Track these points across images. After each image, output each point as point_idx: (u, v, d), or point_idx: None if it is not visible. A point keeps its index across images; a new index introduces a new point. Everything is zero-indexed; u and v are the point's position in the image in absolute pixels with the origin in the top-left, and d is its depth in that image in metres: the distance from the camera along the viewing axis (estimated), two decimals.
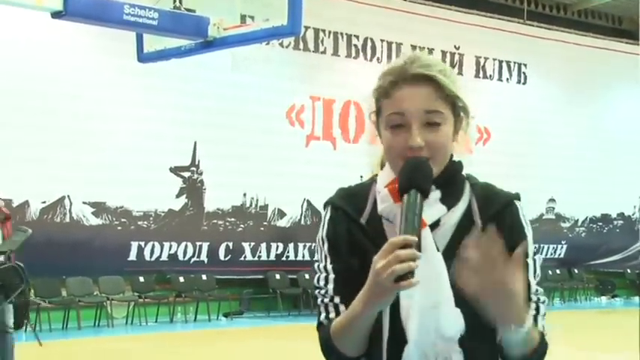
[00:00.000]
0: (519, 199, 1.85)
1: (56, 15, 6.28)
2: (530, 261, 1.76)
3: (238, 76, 14.88)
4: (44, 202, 13.51)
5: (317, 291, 1.81)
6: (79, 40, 13.10)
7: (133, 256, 14.50)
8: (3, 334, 7.68)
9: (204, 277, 15.07)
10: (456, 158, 1.80)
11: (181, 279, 14.79)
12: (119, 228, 14.33)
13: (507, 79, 19.39)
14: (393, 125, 1.72)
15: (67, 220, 13.80)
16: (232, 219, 15.54)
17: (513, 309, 1.63)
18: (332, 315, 1.77)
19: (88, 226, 14.01)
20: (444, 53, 18.34)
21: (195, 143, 14.95)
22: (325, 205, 1.84)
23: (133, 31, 7.26)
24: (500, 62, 19.23)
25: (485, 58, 18.95)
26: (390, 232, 1.70)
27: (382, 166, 1.83)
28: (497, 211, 1.78)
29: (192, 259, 15.07)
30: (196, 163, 15.04)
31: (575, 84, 19.74)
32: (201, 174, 15.11)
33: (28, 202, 13.39)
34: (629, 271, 21.22)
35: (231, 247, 15.34)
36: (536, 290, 1.77)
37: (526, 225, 1.82)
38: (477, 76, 18.87)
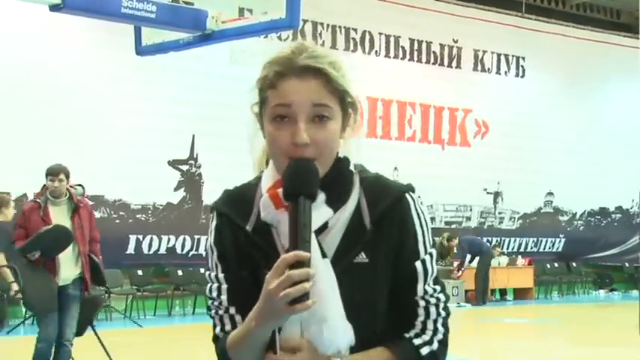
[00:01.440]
0: (412, 191, 1.67)
1: (54, 8, 6.27)
2: (418, 264, 1.64)
3: (237, 69, 14.86)
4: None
5: (211, 302, 1.71)
6: (77, 33, 13.08)
7: (131, 250, 14.51)
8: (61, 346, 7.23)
9: (202, 270, 15.07)
10: (343, 151, 1.66)
11: (180, 272, 14.80)
12: (117, 221, 14.33)
13: (506, 72, 19.38)
14: (277, 117, 1.59)
15: None
16: None
17: None
18: (228, 327, 1.68)
19: None
20: (442, 46, 18.33)
21: (193, 136, 14.94)
22: (211, 211, 1.73)
23: (131, 25, 7.25)
24: (499, 55, 19.21)
25: (484, 52, 18.94)
26: (279, 239, 1.60)
27: (267, 163, 1.70)
28: (386, 207, 1.63)
29: (191, 253, 15.08)
30: (194, 156, 15.04)
31: (573, 77, 19.73)
32: (199, 167, 15.10)
33: (26, 195, 13.37)
34: (627, 264, 21.25)
35: None
36: (425, 292, 1.64)
37: (419, 219, 1.65)
38: (475, 69, 18.86)
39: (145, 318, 14.22)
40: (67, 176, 7.31)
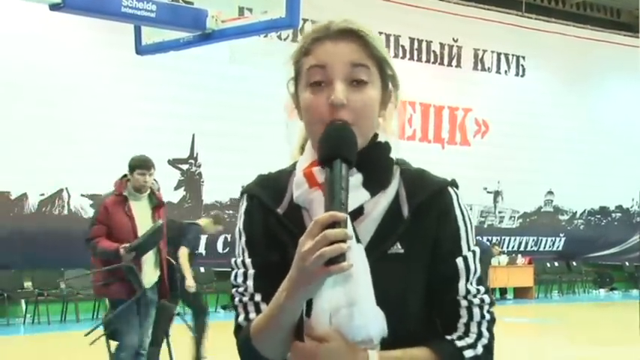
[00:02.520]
0: (455, 186, 1.60)
1: (54, 7, 6.27)
2: (459, 260, 1.55)
3: (237, 68, 14.86)
4: (42, 195, 13.51)
5: (234, 289, 1.59)
6: (77, 32, 13.07)
7: None
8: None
9: (202, 269, 15.07)
10: (382, 139, 1.58)
11: None
12: None
13: (506, 71, 19.38)
14: (313, 82, 1.51)
15: (66, 212, 13.80)
16: (230, 211, 15.52)
17: None
18: (252, 315, 1.56)
19: (86, 219, 13.94)
20: (442, 46, 18.33)
21: (193, 136, 14.94)
22: (241, 194, 1.65)
23: (131, 24, 7.25)
24: (499, 55, 19.21)
25: (484, 51, 18.94)
26: (310, 222, 1.45)
27: (303, 151, 1.61)
28: (426, 198, 1.55)
29: None
30: (194, 155, 15.03)
31: (573, 76, 19.73)
32: (199, 166, 15.10)
33: (26, 195, 13.39)
34: (627, 263, 21.25)
35: (229, 240, 15.34)
36: (468, 291, 1.54)
37: (462, 214, 1.57)
38: (475, 68, 18.86)
39: None
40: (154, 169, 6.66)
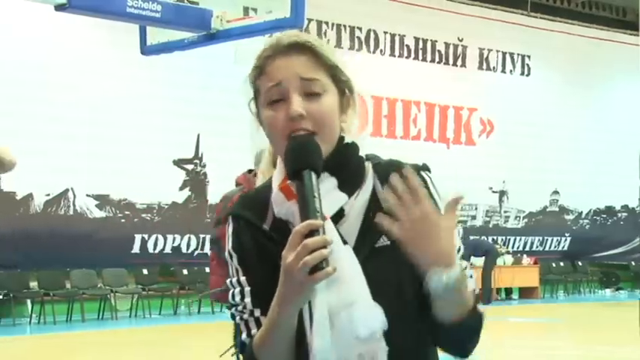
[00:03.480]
0: (428, 170, 1.64)
1: (59, 7, 6.27)
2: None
3: (241, 68, 14.84)
4: (48, 195, 13.53)
5: (234, 309, 1.64)
6: (82, 31, 13.09)
7: (136, 249, 14.52)
8: None
9: (207, 269, 15.07)
10: (348, 140, 1.61)
11: (185, 271, 14.81)
12: (123, 220, 14.35)
13: (511, 70, 19.36)
14: (271, 101, 1.58)
15: (71, 212, 13.82)
16: None
17: (442, 244, 1.49)
18: (254, 331, 1.60)
19: (91, 219, 14.03)
20: (447, 45, 18.32)
21: (198, 136, 14.95)
22: (226, 217, 1.70)
23: (136, 24, 7.25)
24: (504, 54, 19.19)
25: (489, 50, 18.92)
26: None
27: (274, 164, 1.70)
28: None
29: (196, 252, 15.08)
30: (199, 155, 15.05)
31: (579, 75, 19.70)
32: (204, 166, 15.12)
33: (32, 195, 13.41)
34: (633, 263, 21.21)
35: None
36: (459, 265, 1.57)
37: (438, 196, 1.61)
38: (480, 68, 18.84)
39: (150, 317, 14.24)
40: None
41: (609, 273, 21.14)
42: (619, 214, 21.30)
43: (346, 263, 1.51)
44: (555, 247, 20.20)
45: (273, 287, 1.52)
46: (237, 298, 1.63)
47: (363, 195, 1.60)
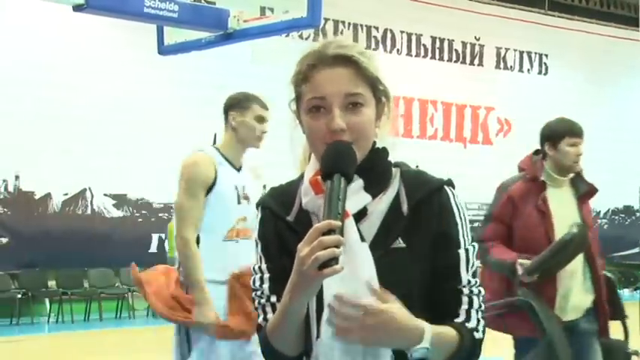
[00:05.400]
0: (452, 185, 1.73)
1: (77, 8, 6.30)
2: (461, 251, 1.68)
3: (258, 67, 14.89)
4: (66, 195, 13.60)
5: (254, 293, 1.75)
6: (100, 32, 13.16)
7: (154, 248, 14.58)
8: None
9: None
10: (380, 144, 1.73)
11: None
12: (140, 220, 14.40)
13: (528, 69, 19.28)
14: (313, 109, 1.67)
15: (89, 212, 13.89)
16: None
17: (399, 336, 1.56)
18: (269, 315, 1.72)
19: (109, 218, 14.10)
20: (464, 44, 18.27)
21: (215, 135, 14.92)
22: (257, 206, 1.81)
23: (154, 24, 7.28)
24: (521, 53, 19.12)
25: (506, 49, 18.85)
26: None
27: (309, 160, 1.78)
28: (424, 195, 1.69)
29: None
30: None
31: (597, 74, 19.59)
32: None
33: (50, 195, 13.49)
34: None
35: None
36: (468, 282, 1.69)
37: (458, 211, 1.70)
38: (497, 67, 18.77)
39: None
40: None
41: (627, 273, 20.99)
42: (638, 214, 21.17)
43: (360, 259, 1.60)
44: None
45: (290, 276, 1.60)
46: (257, 284, 1.74)
47: (387, 198, 1.70)
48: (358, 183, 1.66)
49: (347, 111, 1.64)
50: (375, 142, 1.71)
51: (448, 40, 18.03)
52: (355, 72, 1.66)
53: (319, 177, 1.65)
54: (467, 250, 1.69)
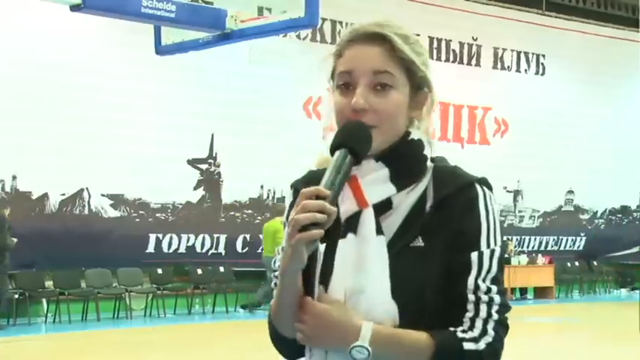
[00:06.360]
0: (486, 185, 1.61)
1: (75, 8, 6.30)
2: (474, 254, 1.55)
3: (256, 68, 14.89)
4: (63, 195, 13.60)
5: (272, 274, 1.68)
6: (98, 32, 13.15)
7: (151, 248, 14.57)
8: None
9: (221, 269, 15.12)
10: (415, 136, 1.62)
11: (199, 271, 14.84)
12: (137, 220, 14.40)
13: (526, 70, 19.30)
14: (340, 85, 1.60)
15: (86, 212, 13.88)
16: (250, 211, 15.57)
17: (334, 335, 1.52)
18: None
19: (106, 218, 14.09)
20: (461, 44, 18.28)
21: (212, 135, 14.98)
22: (291, 188, 1.75)
23: (151, 24, 7.27)
24: (519, 53, 19.13)
25: (504, 49, 18.86)
26: (343, 212, 1.57)
27: None
28: (451, 192, 1.58)
29: (210, 251, 15.12)
30: (214, 155, 15.08)
31: (594, 75, 19.61)
32: (218, 166, 15.14)
33: (47, 195, 13.49)
34: None
35: (248, 239, 15.38)
36: (478, 287, 1.54)
37: (486, 212, 1.58)
38: (495, 67, 18.79)
39: (164, 316, 14.28)
40: None
41: (625, 273, 21.02)
42: (635, 214, 21.20)
43: (372, 252, 1.54)
44: (570, 246, 20.12)
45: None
46: (277, 265, 1.66)
47: (416, 193, 1.60)
48: (384, 172, 1.57)
49: (373, 91, 1.56)
50: (408, 133, 1.61)
51: (445, 40, 18.04)
52: (389, 51, 1.58)
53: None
54: (481, 254, 1.55)
